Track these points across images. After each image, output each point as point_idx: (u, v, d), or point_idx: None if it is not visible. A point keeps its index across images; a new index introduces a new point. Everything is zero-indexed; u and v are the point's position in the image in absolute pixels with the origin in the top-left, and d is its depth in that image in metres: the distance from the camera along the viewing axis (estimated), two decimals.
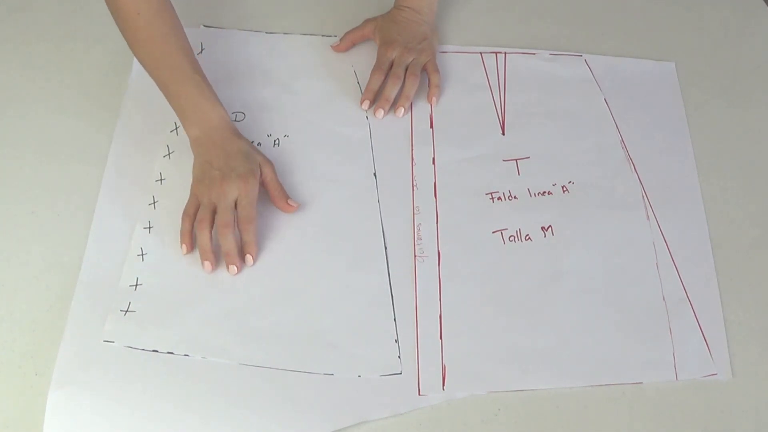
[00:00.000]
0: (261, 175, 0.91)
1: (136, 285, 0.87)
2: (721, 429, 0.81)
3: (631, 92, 1.07)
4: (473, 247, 0.92)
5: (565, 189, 0.97)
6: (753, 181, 1.00)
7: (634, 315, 0.88)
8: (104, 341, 0.84)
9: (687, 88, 1.08)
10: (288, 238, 0.91)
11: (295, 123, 1.01)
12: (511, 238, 0.93)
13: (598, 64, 1.09)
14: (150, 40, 0.93)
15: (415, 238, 0.93)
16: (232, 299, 0.87)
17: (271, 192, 0.92)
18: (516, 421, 0.81)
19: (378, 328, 0.86)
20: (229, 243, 0.87)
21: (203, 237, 0.87)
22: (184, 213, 0.90)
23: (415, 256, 0.91)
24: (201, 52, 1.07)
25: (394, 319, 0.87)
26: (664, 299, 0.89)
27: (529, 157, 1.00)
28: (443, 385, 0.83)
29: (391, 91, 1.03)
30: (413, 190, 0.97)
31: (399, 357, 0.84)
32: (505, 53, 1.10)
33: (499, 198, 0.96)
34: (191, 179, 0.91)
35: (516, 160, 1.00)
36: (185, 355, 0.83)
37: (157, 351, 0.83)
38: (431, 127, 1.03)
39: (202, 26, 1.10)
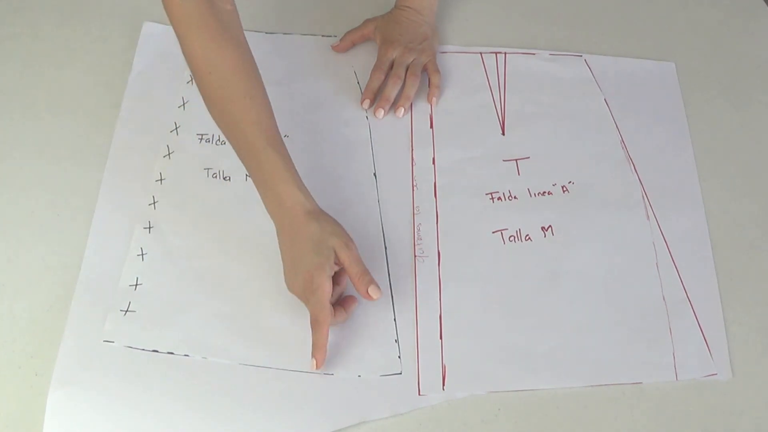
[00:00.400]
0: (339, 259, 0.83)
1: (136, 285, 0.87)
2: (721, 429, 0.81)
3: (631, 92, 1.07)
4: (473, 247, 0.92)
5: (565, 189, 0.97)
6: (753, 181, 1.00)
7: (634, 315, 0.88)
8: (104, 341, 0.84)
9: (687, 88, 1.08)
10: None
11: (295, 123, 1.01)
12: (511, 238, 0.93)
13: (598, 64, 1.09)
14: (222, 101, 0.86)
15: (415, 238, 0.93)
16: (232, 299, 0.87)
17: (351, 277, 0.84)
18: (516, 421, 0.81)
19: (378, 328, 0.86)
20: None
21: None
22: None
23: (415, 256, 0.91)
24: None
25: (394, 319, 0.87)
26: (664, 299, 0.89)
27: (529, 157, 1.00)
28: (443, 385, 0.83)
29: (392, 90, 1.03)
30: (413, 190, 0.97)
31: (399, 357, 0.84)
32: (505, 53, 1.10)
33: (499, 198, 0.96)
34: (192, 180, 0.91)
35: (516, 160, 1.00)
36: (185, 355, 0.83)
37: (157, 351, 0.83)
38: (431, 127, 1.03)
39: None
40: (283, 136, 1.00)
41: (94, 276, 0.88)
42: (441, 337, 0.86)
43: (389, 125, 1.02)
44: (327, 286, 0.81)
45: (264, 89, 0.87)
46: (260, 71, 1.02)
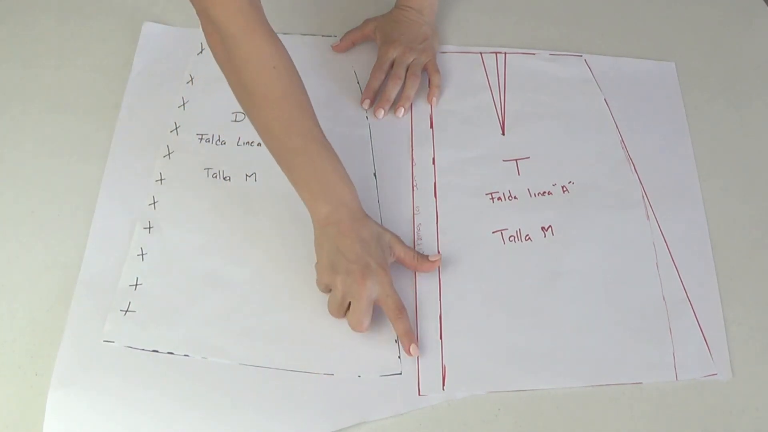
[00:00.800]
0: (394, 254, 0.88)
1: (136, 285, 0.88)
2: (721, 429, 0.81)
3: (631, 92, 1.07)
4: (473, 247, 0.92)
5: (565, 189, 0.97)
6: (753, 181, 1.00)
7: (634, 315, 0.88)
8: (104, 341, 0.84)
9: (687, 88, 1.08)
10: (288, 237, 0.91)
11: None
12: (511, 238, 0.93)
13: (598, 64, 1.09)
14: (284, 97, 0.88)
15: (415, 238, 0.93)
16: (232, 299, 0.87)
17: (409, 265, 0.89)
18: (516, 421, 0.81)
19: (378, 328, 0.86)
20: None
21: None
22: (329, 308, 0.85)
23: None
24: (201, 52, 1.07)
25: None
26: (664, 299, 0.89)
27: (529, 158, 1.00)
28: (443, 385, 0.83)
29: (392, 90, 1.03)
30: (413, 190, 0.97)
31: (399, 357, 0.84)
32: (505, 53, 1.10)
33: (499, 198, 0.96)
34: (192, 180, 0.91)
35: (516, 160, 1.00)
36: (185, 355, 0.83)
37: (157, 351, 0.83)
38: (431, 127, 1.03)
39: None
40: None
41: (94, 276, 0.88)
42: (441, 337, 0.86)
43: (389, 125, 1.02)
44: (391, 276, 0.85)
45: (312, 110, 0.90)
46: None
